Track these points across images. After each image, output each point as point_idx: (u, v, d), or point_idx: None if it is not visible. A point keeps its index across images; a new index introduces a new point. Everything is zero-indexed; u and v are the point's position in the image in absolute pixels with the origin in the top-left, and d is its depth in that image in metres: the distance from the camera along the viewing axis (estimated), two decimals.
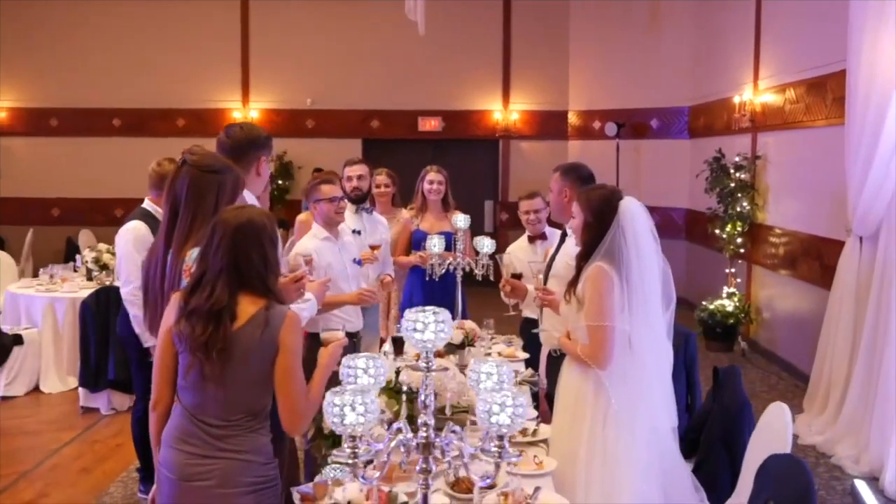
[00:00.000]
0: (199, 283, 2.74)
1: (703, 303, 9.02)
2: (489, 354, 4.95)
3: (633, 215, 3.40)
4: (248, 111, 13.34)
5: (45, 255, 11.40)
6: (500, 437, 1.96)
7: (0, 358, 7.18)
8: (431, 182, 6.11)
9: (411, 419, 3.56)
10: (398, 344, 4.87)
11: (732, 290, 9.01)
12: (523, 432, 3.62)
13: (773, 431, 3.42)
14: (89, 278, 7.92)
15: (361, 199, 5.62)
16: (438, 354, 4.73)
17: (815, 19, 7.56)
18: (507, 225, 13.41)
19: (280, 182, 12.89)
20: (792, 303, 8.16)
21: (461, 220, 5.43)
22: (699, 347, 8.78)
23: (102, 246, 8.10)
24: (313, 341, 4.58)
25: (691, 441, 4.28)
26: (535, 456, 3.33)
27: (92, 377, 6.77)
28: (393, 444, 2.03)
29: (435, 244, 5.11)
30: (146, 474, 4.99)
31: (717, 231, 9.09)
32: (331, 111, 13.28)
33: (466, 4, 12.97)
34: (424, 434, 2.03)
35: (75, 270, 8.24)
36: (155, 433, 2.85)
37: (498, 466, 1.96)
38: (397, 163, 13.33)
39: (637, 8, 12.14)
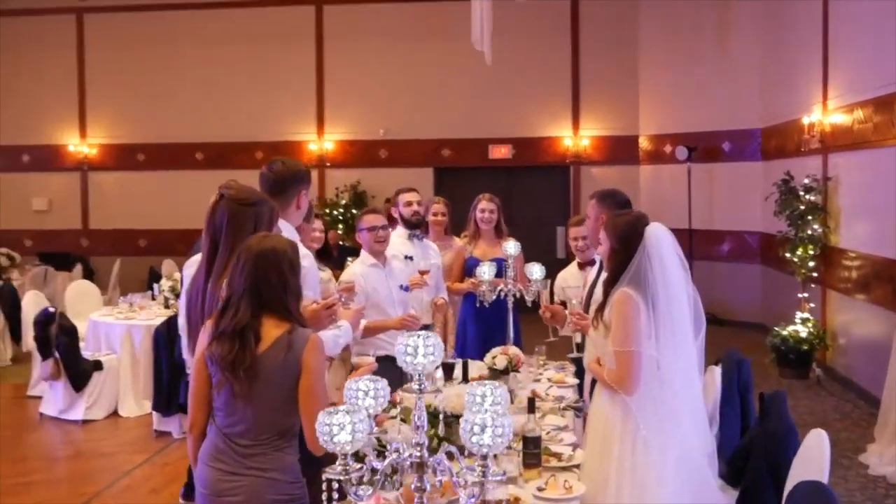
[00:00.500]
0: (226, 306, 2.90)
1: (776, 328, 8.81)
2: (538, 381, 5.01)
3: (659, 240, 3.40)
4: (323, 142, 13.70)
5: (131, 285, 11.86)
6: (484, 457, 2.01)
7: (81, 383, 7.53)
8: (483, 210, 6.19)
9: (442, 440, 3.67)
10: (448, 370, 4.99)
11: (806, 315, 8.77)
12: (558, 457, 3.65)
13: (812, 459, 3.36)
14: (166, 306, 8.26)
15: (418, 225, 5.81)
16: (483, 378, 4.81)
17: (884, 35, 7.39)
18: None
19: (354, 211, 13.16)
20: (867, 328, 7.90)
21: (511, 246, 5.48)
22: (773, 375, 8.69)
23: (178, 275, 8.44)
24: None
25: (738, 468, 4.23)
26: (565, 481, 3.35)
27: (164, 401, 7.05)
28: (386, 462, 2.11)
29: (485, 271, 5.18)
30: (187, 490, 5.29)
31: (787, 255, 8.89)
32: (403, 141, 13.54)
33: (534, 32, 13.09)
34: (418, 454, 2.10)
35: (153, 299, 8.60)
36: (192, 454, 3.00)
37: (482, 486, 2.01)
38: (469, 190, 13.49)
39: (705, 30, 12.05)
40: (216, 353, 2.83)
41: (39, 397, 7.99)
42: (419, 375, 2.14)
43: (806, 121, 8.95)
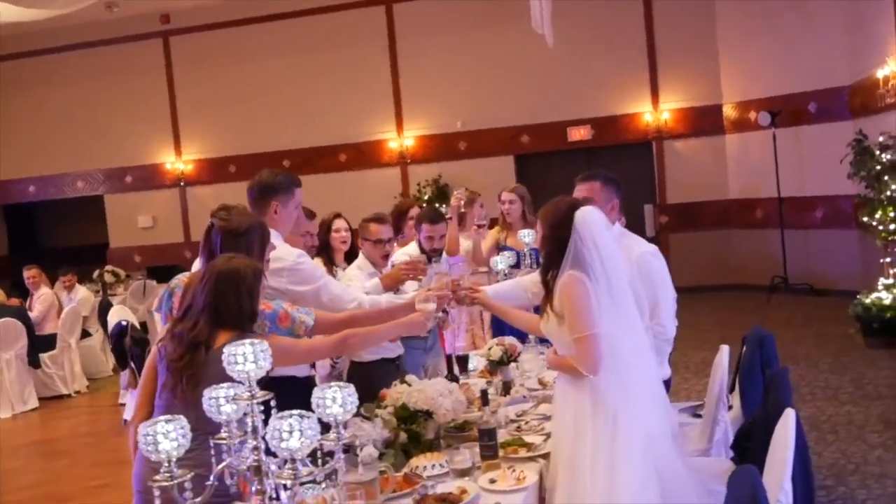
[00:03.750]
0: (186, 314, 3.06)
1: (858, 297, 8.29)
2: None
3: (588, 222, 3.33)
4: (402, 140, 13.85)
5: None
6: (293, 461, 2.01)
7: None
8: (503, 202, 6.13)
9: (416, 438, 3.67)
10: (462, 362, 4.98)
11: (890, 280, 8.22)
12: (529, 447, 3.59)
13: (778, 442, 3.17)
14: None
15: (432, 257, 5.47)
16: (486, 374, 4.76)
17: None
18: (667, 228, 13.01)
19: (437, 205, 13.23)
20: None
21: (526, 235, 5.41)
22: (858, 346, 8.21)
23: None
24: (360, 369, 4.76)
25: (742, 449, 4.05)
26: (521, 471, 3.29)
27: None
28: (221, 467, 2.14)
29: (498, 262, 5.16)
30: None
31: (865, 219, 8.35)
32: (481, 131, 13.51)
33: (602, 7, 12.76)
34: (255, 458, 2.12)
35: None
36: (133, 448, 3.10)
37: (287, 488, 2.01)
38: (550, 175, 13.45)
39: None
40: (168, 351, 2.98)
41: (124, 405, 8.47)
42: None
43: (880, 74, 8.37)
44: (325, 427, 2.43)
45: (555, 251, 3.34)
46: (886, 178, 7.99)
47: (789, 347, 8.64)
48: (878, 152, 8.10)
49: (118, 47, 14.71)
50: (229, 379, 2.94)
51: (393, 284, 4.58)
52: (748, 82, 12.21)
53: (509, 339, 4.59)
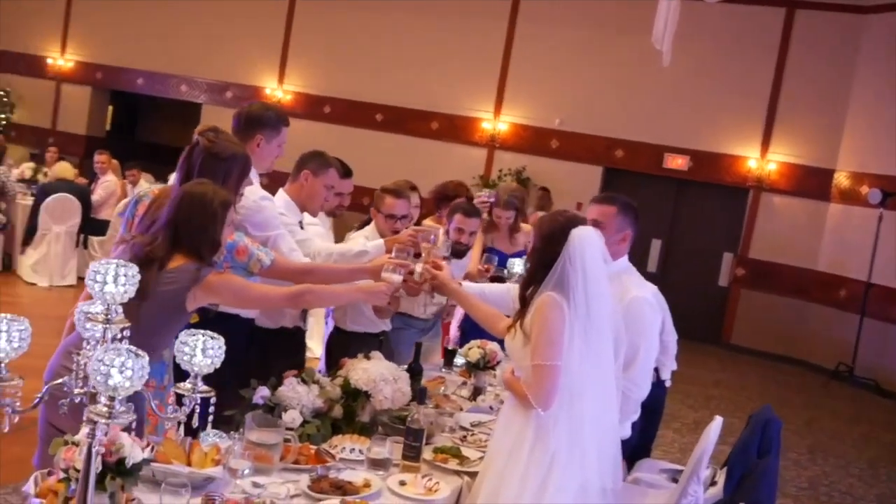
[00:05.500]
0: (149, 227, 3.05)
1: None
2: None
3: (583, 244, 2.98)
4: (497, 123, 13.52)
5: None
6: (111, 399, 1.77)
7: None
8: (499, 217, 5.59)
9: (351, 416, 3.41)
10: (449, 356, 4.73)
11: None
12: (462, 459, 3.29)
13: None
14: None
15: (461, 254, 5.16)
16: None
17: None
18: (742, 281, 12.35)
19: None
20: None
21: (515, 265, 4.98)
22: None
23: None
24: (342, 337, 4.50)
25: None
26: (436, 482, 3.00)
27: None
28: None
29: (515, 264, 4.89)
30: None
31: None
32: (576, 134, 13.06)
33: (732, 38, 12.13)
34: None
35: None
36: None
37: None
38: (637, 196, 12.79)
39: None
40: (119, 257, 2.89)
41: None
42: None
43: None
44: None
45: (541, 266, 3.02)
46: None
47: (825, 440, 8.05)
48: None
49: None
50: (174, 301, 2.94)
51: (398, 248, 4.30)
52: (868, 154, 11.40)
53: (493, 345, 4.25)
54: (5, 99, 16.33)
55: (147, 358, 1.85)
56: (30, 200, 9.90)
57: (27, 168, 11.09)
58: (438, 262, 3.64)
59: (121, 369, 1.76)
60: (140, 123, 20.24)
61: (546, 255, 3.01)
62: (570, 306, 2.95)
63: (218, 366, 2.18)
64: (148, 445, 2.37)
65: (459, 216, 5.03)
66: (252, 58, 14.92)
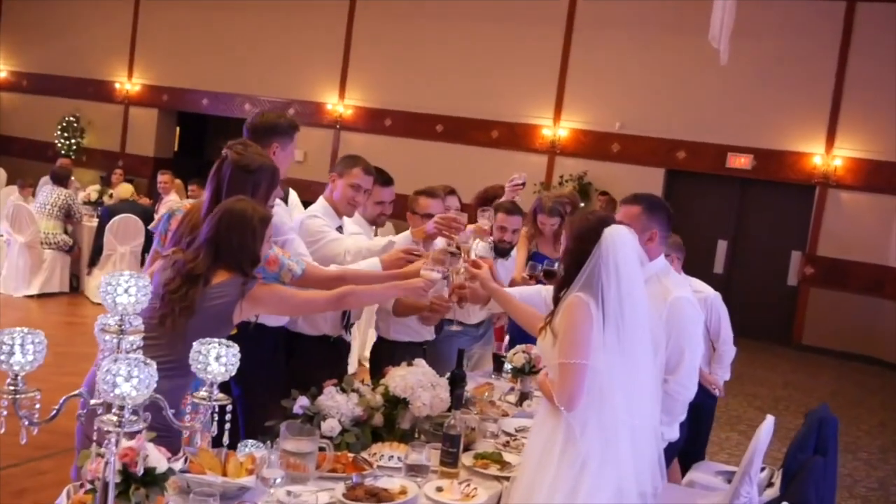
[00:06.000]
0: (187, 242, 3.11)
1: None
2: None
3: (616, 243, 2.94)
4: (557, 129, 13.47)
5: None
6: (121, 408, 1.83)
7: None
8: (542, 223, 5.56)
9: (391, 424, 3.46)
10: (498, 362, 4.72)
11: None
12: (503, 465, 3.30)
13: None
14: None
15: (506, 253, 5.18)
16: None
17: None
18: (811, 280, 12.04)
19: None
20: None
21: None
22: None
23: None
24: (386, 346, 4.52)
25: None
26: (474, 488, 3.03)
27: None
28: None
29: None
30: None
31: None
32: (637, 137, 12.92)
33: (791, 34, 11.88)
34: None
35: None
36: None
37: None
38: (700, 197, 12.73)
39: None
40: (165, 282, 2.98)
41: None
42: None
43: None
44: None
45: (574, 266, 3.00)
46: None
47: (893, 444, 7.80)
48: None
49: None
50: (222, 315, 3.01)
51: (423, 238, 4.35)
52: None
53: (537, 349, 4.24)
54: (76, 124, 16.96)
55: (154, 366, 1.91)
56: (95, 222, 10.23)
57: (93, 190, 11.48)
58: (478, 261, 3.66)
59: (127, 378, 1.82)
60: (207, 143, 20.75)
61: (578, 255, 2.99)
62: (598, 306, 2.93)
63: (233, 373, 2.21)
64: (182, 456, 2.43)
65: (502, 215, 5.04)
66: (313, 74, 15.20)
